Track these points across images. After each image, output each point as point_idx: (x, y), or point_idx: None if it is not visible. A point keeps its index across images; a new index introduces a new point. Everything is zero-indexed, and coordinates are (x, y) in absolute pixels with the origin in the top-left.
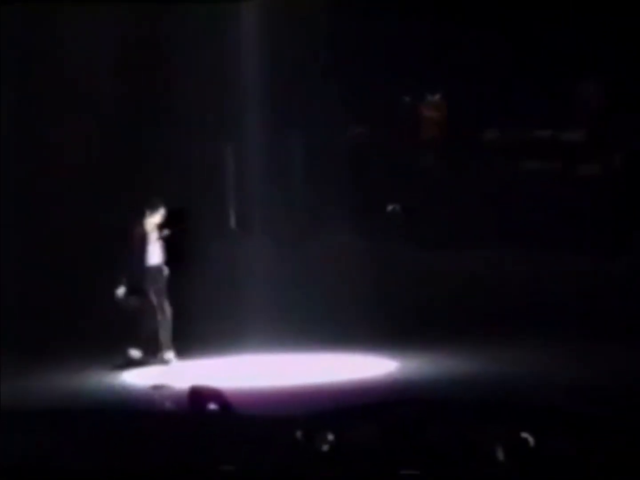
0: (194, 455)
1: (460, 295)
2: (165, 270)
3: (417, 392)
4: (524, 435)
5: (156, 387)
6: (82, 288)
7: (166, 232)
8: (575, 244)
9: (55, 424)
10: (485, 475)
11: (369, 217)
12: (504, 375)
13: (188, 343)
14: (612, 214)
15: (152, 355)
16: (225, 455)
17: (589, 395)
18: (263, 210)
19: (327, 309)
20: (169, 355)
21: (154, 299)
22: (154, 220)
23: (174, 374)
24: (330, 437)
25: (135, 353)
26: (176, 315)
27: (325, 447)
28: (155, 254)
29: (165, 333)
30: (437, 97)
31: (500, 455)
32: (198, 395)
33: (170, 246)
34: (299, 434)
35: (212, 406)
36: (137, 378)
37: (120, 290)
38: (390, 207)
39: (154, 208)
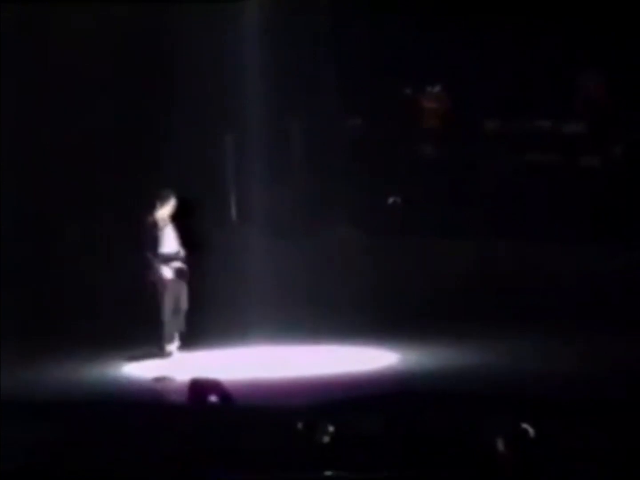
0: (195, 446)
1: (461, 288)
2: (183, 261)
3: (417, 384)
4: (524, 426)
5: (158, 380)
6: (88, 280)
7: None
8: (576, 235)
9: (57, 416)
10: (485, 467)
11: (370, 208)
12: (504, 367)
13: (189, 334)
14: (615, 206)
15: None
16: (227, 446)
17: (589, 387)
18: (264, 201)
19: (328, 301)
20: (171, 347)
21: (172, 288)
22: (164, 211)
23: (175, 366)
24: (331, 428)
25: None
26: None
27: (326, 439)
28: (170, 245)
29: (175, 325)
30: (438, 88)
31: (501, 446)
32: (199, 388)
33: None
34: (300, 425)
35: (213, 398)
36: (139, 370)
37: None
38: (391, 199)
39: (164, 200)
